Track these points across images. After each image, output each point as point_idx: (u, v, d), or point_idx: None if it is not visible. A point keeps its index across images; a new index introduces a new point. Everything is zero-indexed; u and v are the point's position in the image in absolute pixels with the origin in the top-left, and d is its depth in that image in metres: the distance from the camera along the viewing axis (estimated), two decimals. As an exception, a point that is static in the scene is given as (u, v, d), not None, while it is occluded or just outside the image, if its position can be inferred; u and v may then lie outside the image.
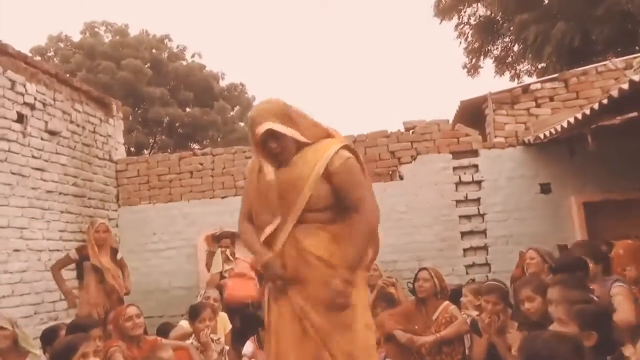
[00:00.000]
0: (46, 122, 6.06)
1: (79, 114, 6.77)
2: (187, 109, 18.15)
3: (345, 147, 2.47)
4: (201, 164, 7.34)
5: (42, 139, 5.98)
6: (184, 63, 18.67)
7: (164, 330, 5.00)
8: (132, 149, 15.88)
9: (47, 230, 5.97)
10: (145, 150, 17.06)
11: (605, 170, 6.48)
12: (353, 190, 2.40)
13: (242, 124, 19.25)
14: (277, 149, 2.41)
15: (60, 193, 6.22)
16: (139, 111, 17.64)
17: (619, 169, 6.45)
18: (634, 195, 6.40)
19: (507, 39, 13.30)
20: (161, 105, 17.03)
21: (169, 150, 15.62)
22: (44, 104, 6.06)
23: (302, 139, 2.44)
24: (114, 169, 7.47)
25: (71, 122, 6.57)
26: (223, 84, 19.19)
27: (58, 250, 5.99)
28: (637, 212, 5.04)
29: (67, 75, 7.82)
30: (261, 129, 2.37)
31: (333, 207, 2.44)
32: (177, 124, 18.14)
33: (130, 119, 16.04)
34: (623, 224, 6.05)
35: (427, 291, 4.48)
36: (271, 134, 2.38)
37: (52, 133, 6.16)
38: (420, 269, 4.70)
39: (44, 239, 5.89)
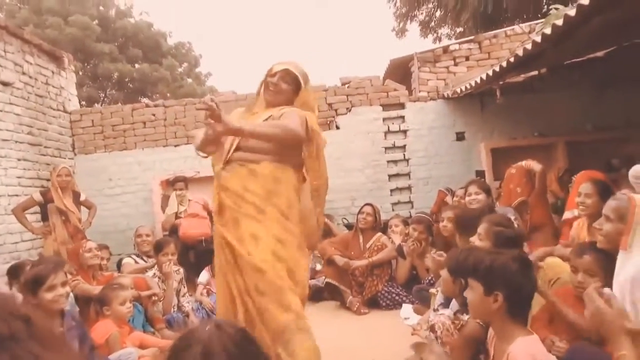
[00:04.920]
0: (-2, 73, 5.65)
1: (31, 65, 6.32)
2: (136, 65, 17.22)
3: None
4: (153, 115, 7.08)
5: (-6, 89, 5.58)
6: (132, 21, 17.55)
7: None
8: (84, 103, 14.99)
9: (5, 177, 5.65)
10: (96, 104, 16.14)
11: (510, 120, 6.83)
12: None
13: (189, 80, 18.53)
14: (277, 87, 2.57)
15: (16, 142, 5.86)
16: (88, 66, 16.54)
17: (521, 119, 6.82)
18: (532, 141, 6.83)
19: (430, 5, 13.37)
20: (110, 61, 16.01)
21: (120, 104, 14.90)
22: (-5, 55, 5.63)
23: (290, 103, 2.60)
24: (68, 119, 7.08)
25: (23, 73, 6.13)
26: (170, 42, 18.27)
27: (17, 195, 5.71)
28: (535, 155, 5.38)
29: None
30: (280, 67, 2.60)
31: (276, 151, 2.44)
32: (126, 79, 17.20)
33: (81, 74, 15.06)
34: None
35: (369, 224, 4.72)
36: (286, 73, 2.59)
37: (5, 84, 5.74)
38: (365, 204, 4.93)
39: (2, 185, 5.58)
